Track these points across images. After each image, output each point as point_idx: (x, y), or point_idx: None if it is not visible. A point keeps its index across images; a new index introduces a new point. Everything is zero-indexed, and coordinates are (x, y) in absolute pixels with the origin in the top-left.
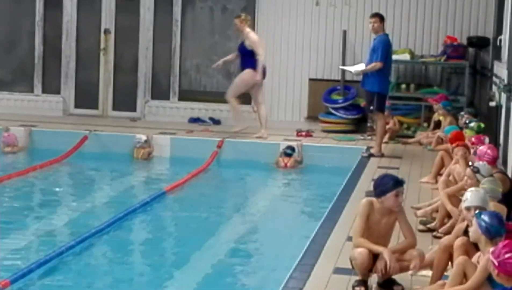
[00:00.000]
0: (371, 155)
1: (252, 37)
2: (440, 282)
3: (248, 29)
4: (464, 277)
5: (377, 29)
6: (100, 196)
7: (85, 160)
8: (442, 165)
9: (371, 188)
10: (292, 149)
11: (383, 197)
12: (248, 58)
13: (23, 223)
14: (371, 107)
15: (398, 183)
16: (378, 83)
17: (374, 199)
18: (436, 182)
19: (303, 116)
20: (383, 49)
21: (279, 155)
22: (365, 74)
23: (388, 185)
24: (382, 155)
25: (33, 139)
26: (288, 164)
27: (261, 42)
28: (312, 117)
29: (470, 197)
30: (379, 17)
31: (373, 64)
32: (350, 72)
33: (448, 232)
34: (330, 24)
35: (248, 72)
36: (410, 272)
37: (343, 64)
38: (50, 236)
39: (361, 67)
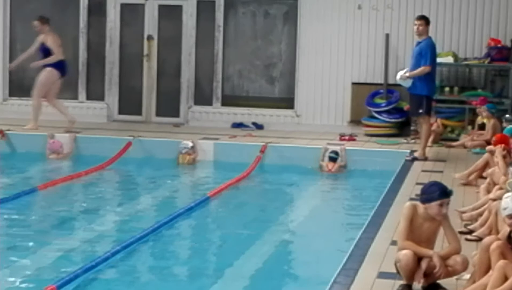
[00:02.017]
0: (414, 159)
1: (52, 37)
2: (483, 281)
3: (47, 29)
4: (505, 280)
5: (421, 32)
6: (144, 202)
7: (129, 166)
8: (484, 167)
9: (416, 192)
10: (336, 153)
11: (427, 204)
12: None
13: (68, 229)
14: (420, 110)
15: (444, 194)
16: (427, 86)
17: (418, 203)
18: (470, 181)
19: (346, 120)
20: (432, 53)
21: (321, 159)
22: (413, 78)
23: (434, 194)
24: (425, 159)
25: (78, 146)
26: (333, 169)
27: (57, 42)
28: (355, 121)
29: (511, 205)
30: (425, 20)
31: (421, 68)
32: (400, 82)
33: (487, 234)
34: (372, 28)
35: (50, 70)
36: (455, 276)
37: (386, 69)
38: (95, 242)
39: (401, 71)
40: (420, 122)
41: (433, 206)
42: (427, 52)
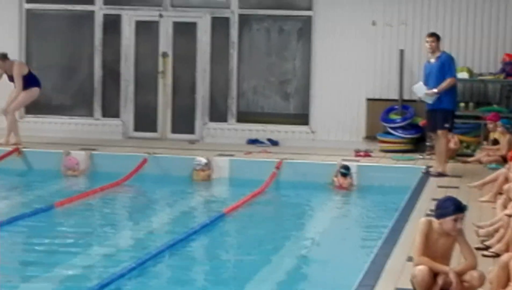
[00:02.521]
0: (440, 175)
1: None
2: None
3: (9, 63)
4: None
5: (434, 48)
6: (160, 218)
7: (145, 182)
8: (503, 183)
9: (432, 208)
10: (347, 168)
11: (442, 219)
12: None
13: (84, 245)
14: (446, 125)
15: (459, 209)
16: (452, 100)
17: (433, 218)
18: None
19: (361, 136)
20: (453, 65)
21: (335, 174)
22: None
23: (448, 209)
24: (440, 175)
25: (94, 163)
26: (344, 185)
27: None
28: (370, 137)
29: None
30: (436, 36)
31: (448, 81)
32: (424, 99)
33: (504, 251)
34: (386, 44)
35: (34, 90)
36: None
37: (401, 84)
38: (111, 258)
39: (422, 88)
40: (439, 137)
41: (448, 221)
42: (450, 64)
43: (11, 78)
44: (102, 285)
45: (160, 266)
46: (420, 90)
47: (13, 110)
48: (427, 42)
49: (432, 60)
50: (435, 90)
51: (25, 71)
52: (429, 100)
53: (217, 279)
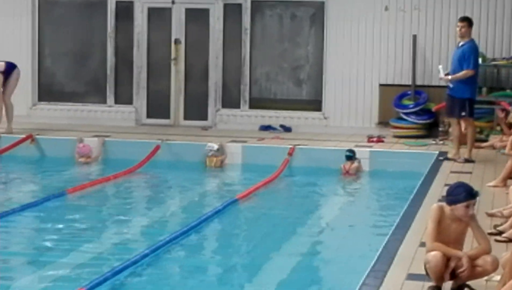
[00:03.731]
0: (467, 161)
1: None
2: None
3: None
4: None
5: (463, 34)
6: (173, 205)
7: (158, 169)
8: None
9: (444, 193)
10: (352, 151)
11: (453, 205)
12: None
13: (98, 232)
14: (463, 113)
15: (470, 195)
16: (469, 89)
17: (445, 204)
18: (504, 185)
19: (374, 122)
20: (475, 56)
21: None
22: (455, 80)
23: (460, 196)
24: (466, 161)
25: (107, 150)
26: (350, 170)
27: None
28: (383, 122)
29: None
30: (468, 22)
31: (464, 72)
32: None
33: None
34: (399, 29)
35: (15, 72)
36: (485, 277)
37: (413, 70)
38: (124, 245)
39: (441, 70)
40: (467, 125)
41: (459, 207)
42: (470, 55)
43: None
44: (115, 271)
45: (174, 253)
46: (441, 71)
47: (8, 98)
48: (457, 26)
49: (459, 45)
50: (448, 77)
51: (1, 69)
52: (450, 83)
53: (230, 265)
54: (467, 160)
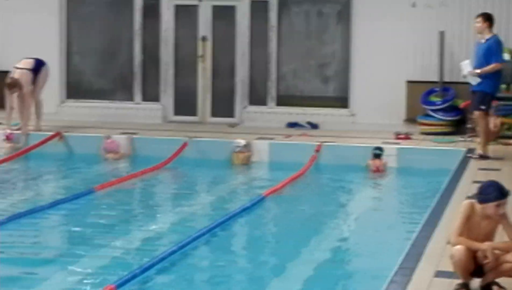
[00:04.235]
0: (481, 157)
1: None
2: None
3: None
4: None
5: (480, 29)
6: (200, 202)
7: (185, 166)
8: None
9: (473, 191)
10: (380, 149)
11: (484, 204)
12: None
13: (126, 229)
14: (482, 107)
15: (501, 195)
16: (493, 84)
17: (475, 201)
18: None
19: (402, 118)
20: (500, 50)
21: (371, 159)
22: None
23: (490, 195)
24: (482, 157)
25: (134, 147)
26: (381, 168)
27: None
28: (410, 119)
29: None
30: (483, 17)
31: (493, 66)
32: (468, 77)
33: None
34: (427, 25)
35: (44, 69)
36: None
37: (441, 66)
38: (152, 242)
39: (468, 66)
40: (477, 119)
41: (490, 206)
42: (497, 49)
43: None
44: (143, 268)
45: (201, 250)
46: (466, 68)
47: (38, 95)
48: (476, 22)
49: (482, 41)
50: (477, 71)
51: (31, 66)
52: (473, 81)
53: (257, 262)
54: (482, 156)
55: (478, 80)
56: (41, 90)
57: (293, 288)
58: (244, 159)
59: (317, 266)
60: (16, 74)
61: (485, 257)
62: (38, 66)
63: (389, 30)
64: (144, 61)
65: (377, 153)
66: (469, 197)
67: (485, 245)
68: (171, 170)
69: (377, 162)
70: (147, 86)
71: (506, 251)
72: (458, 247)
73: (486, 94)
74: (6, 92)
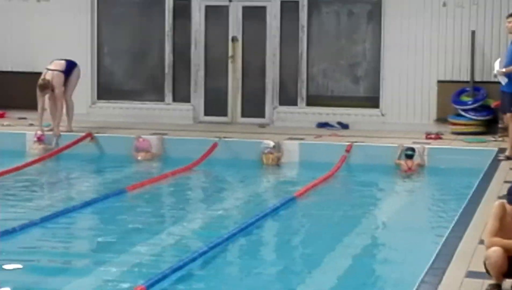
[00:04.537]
0: (508, 158)
1: None
2: None
3: None
4: None
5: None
6: (231, 202)
7: (215, 166)
8: None
9: (505, 191)
10: (413, 150)
11: None
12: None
13: (157, 229)
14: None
15: None
16: None
17: (506, 201)
18: None
19: (432, 118)
20: None
21: (398, 157)
22: (507, 75)
23: None
24: (508, 158)
25: (165, 147)
26: (412, 167)
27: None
28: (441, 119)
29: None
30: None
31: None
32: (495, 73)
33: None
34: (458, 25)
35: (76, 70)
36: None
37: (472, 66)
38: (182, 242)
39: (497, 65)
40: (508, 120)
41: None
42: None
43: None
44: (174, 269)
45: (232, 250)
46: (496, 67)
47: (69, 97)
48: (509, 22)
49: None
50: (503, 70)
51: (62, 68)
52: (502, 81)
53: (288, 263)
54: (509, 158)
55: (506, 79)
56: (72, 92)
57: (324, 288)
58: (274, 160)
59: (347, 266)
60: (47, 76)
61: None
62: (70, 68)
63: (419, 29)
64: (174, 62)
65: (410, 154)
66: (500, 198)
67: None
68: (202, 170)
69: (409, 162)
70: (177, 87)
71: None
72: (495, 248)
73: None
74: (38, 93)
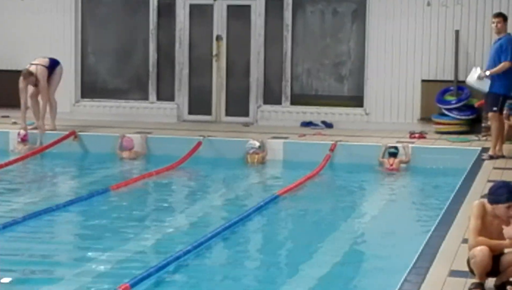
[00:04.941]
0: (492, 157)
1: None
2: None
3: None
4: None
5: (500, 29)
6: (214, 201)
7: (199, 165)
8: None
9: (487, 190)
10: (396, 148)
11: (494, 205)
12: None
13: (141, 228)
14: (494, 108)
15: None
16: (505, 84)
17: (486, 201)
18: None
19: (416, 117)
20: (511, 48)
21: (381, 156)
22: (492, 76)
23: (501, 197)
24: (492, 158)
25: (149, 146)
26: (394, 165)
27: None
28: (425, 118)
29: None
30: (503, 17)
31: (502, 64)
32: (475, 84)
33: None
34: (442, 24)
35: (58, 68)
36: None
37: (456, 65)
38: (167, 241)
39: (476, 72)
40: (490, 120)
41: (501, 207)
42: (507, 47)
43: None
44: (158, 267)
45: (215, 249)
46: (472, 77)
47: (52, 95)
48: (493, 22)
49: (497, 39)
50: (487, 73)
51: (46, 64)
52: (482, 87)
53: (271, 261)
54: (492, 157)
55: (488, 83)
56: (55, 90)
57: (307, 287)
58: (259, 159)
59: (331, 265)
60: (31, 68)
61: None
62: (53, 65)
63: (404, 29)
64: (159, 60)
65: (393, 152)
66: (483, 197)
67: (506, 242)
68: (186, 169)
69: (391, 160)
70: (162, 86)
71: None
72: (482, 247)
73: (499, 95)
74: (21, 84)
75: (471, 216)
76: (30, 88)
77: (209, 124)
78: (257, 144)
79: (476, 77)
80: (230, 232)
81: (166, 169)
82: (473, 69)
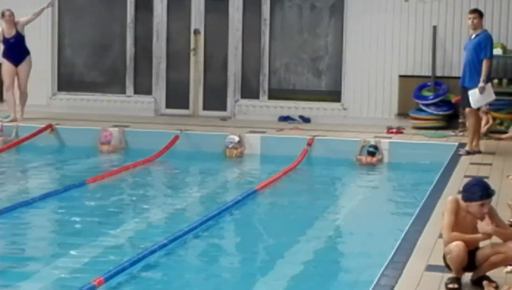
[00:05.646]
0: (468, 153)
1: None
2: None
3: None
4: None
5: (476, 25)
6: (192, 195)
7: (177, 159)
8: None
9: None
10: (376, 148)
11: (468, 203)
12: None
13: (116, 221)
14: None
15: (486, 195)
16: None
17: (460, 197)
18: None
19: (394, 113)
20: (491, 45)
21: (359, 153)
22: (466, 71)
23: (475, 195)
24: (469, 153)
25: (126, 139)
26: (371, 162)
27: None
28: (402, 114)
29: None
30: (479, 13)
31: (485, 65)
32: (485, 100)
33: None
34: (419, 20)
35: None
36: (505, 269)
37: (433, 61)
38: (142, 235)
39: (475, 93)
40: (467, 115)
41: (474, 205)
42: (487, 44)
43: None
44: (133, 261)
45: (192, 243)
46: (477, 98)
47: (24, 86)
48: (469, 18)
49: (472, 37)
50: (481, 84)
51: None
52: (491, 96)
53: (249, 256)
54: (469, 152)
55: (490, 88)
56: (26, 80)
57: (281, 283)
58: (238, 154)
59: (308, 259)
60: None
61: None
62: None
63: (382, 24)
64: (136, 54)
65: (371, 151)
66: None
67: (479, 235)
68: (163, 163)
69: (369, 158)
70: (139, 79)
71: (503, 239)
72: (457, 242)
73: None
74: None
75: (445, 211)
76: (6, 81)
77: (186, 118)
78: (237, 138)
79: (479, 94)
80: (207, 227)
81: (143, 163)
82: (470, 92)
